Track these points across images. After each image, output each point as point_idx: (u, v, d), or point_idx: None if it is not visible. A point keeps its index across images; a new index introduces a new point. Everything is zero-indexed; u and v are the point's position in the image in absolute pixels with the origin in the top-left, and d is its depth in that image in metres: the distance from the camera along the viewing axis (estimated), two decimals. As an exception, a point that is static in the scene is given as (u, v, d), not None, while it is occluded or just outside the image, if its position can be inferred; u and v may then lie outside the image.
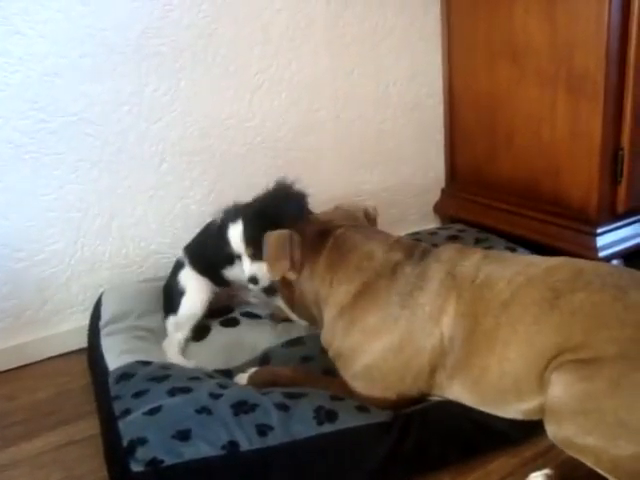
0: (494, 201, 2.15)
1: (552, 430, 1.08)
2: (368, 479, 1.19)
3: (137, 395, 1.30)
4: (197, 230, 1.70)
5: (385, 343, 1.27)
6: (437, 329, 1.24)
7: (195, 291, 1.63)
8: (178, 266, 1.67)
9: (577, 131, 1.83)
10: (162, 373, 1.39)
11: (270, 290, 1.63)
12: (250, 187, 1.96)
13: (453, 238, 2.00)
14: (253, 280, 1.49)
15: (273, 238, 1.37)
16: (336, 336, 1.35)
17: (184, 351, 1.59)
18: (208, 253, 1.61)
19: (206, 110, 1.87)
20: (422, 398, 1.31)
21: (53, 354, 1.76)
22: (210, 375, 1.44)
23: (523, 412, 1.19)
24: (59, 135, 1.69)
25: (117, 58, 1.72)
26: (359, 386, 1.32)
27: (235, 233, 1.49)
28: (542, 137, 1.95)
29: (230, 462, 1.15)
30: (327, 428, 1.20)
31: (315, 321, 1.47)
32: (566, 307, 1.13)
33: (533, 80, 1.92)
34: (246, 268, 1.50)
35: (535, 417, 1.16)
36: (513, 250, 1.87)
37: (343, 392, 1.32)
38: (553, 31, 1.83)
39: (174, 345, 1.59)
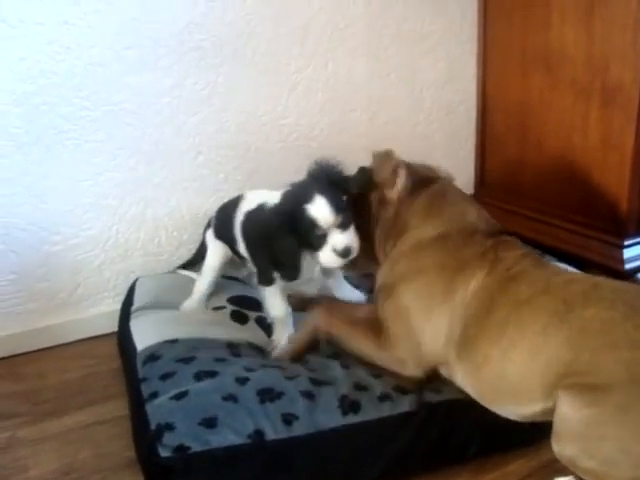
0: (522, 208, 2.16)
1: (556, 448, 1.08)
2: (389, 469, 1.22)
3: (164, 377, 1.33)
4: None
5: (429, 285, 1.32)
6: (462, 291, 1.27)
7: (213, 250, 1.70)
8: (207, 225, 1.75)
9: (609, 142, 1.84)
10: (189, 354, 1.41)
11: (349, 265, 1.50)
12: (282, 183, 2.00)
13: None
14: (346, 252, 1.40)
15: (386, 157, 1.47)
16: (395, 267, 1.40)
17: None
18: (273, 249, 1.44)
19: (243, 106, 1.91)
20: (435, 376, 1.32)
21: (83, 336, 1.80)
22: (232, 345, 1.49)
23: (518, 415, 1.20)
24: (100, 123, 1.73)
25: (160, 51, 1.76)
26: (389, 320, 1.35)
27: (320, 208, 1.37)
28: (573, 146, 1.96)
29: (255, 451, 1.17)
30: (351, 419, 1.22)
31: (372, 259, 1.52)
32: (576, 322, 1.12)
33: (567, 89, 1.93)
34: (337, 241, 1.39)
35: (531, 420, 1.18)
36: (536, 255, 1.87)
37: (370, 345, 1.38)
38: (589, 41, 1.84)
39: (193, 294, 1.69)
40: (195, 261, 1.83)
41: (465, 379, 1.26)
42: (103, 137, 1.74)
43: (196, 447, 1.15)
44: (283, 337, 1.53)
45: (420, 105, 2.21)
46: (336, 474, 1.21)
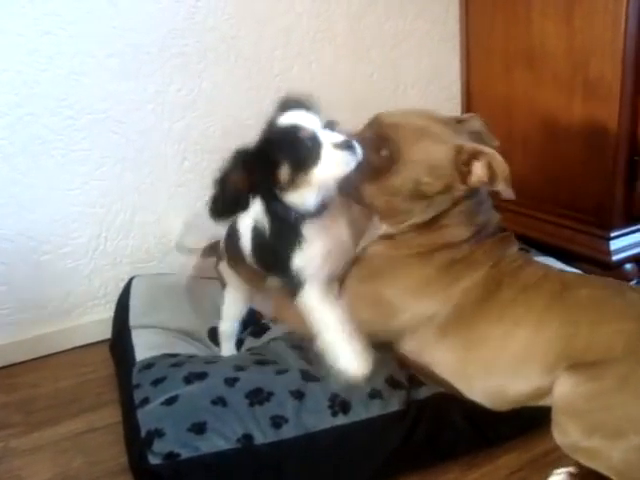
0: (508, 203, 2.14)
1: (558, 434, 1.08)
2: (381, 469, 1.22)
3: (155, 383, 1.33)
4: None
5: (428, 276, 1.26)
6: (467, 284, 1.24)
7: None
8: None
9: (592, 136, 1.85)
10: (182, 360, 1.42)
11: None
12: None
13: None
14: (349, 144, 1.11)
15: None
16: (400, 251, 1.29)
17: None
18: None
19: (227, 110, 1.91)
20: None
21: (75, 345, 1.81)
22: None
23: (504, 397, 1.19)
24: (85, 132, 1.73)
25: (143, 58, 1.76)
26: (349, 294, 1.28)
27: (297, 114, 1.17)
28: (558, 141, 1.97)
29: (245, 455, 1.18)
30: (341, 420, 1.22)
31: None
32: (572, 299, 1.18)
33: (549, 84, 1.94)
34: (332, 136, 1.11)
35: (513, 405, 1.19)
36: (527, 252, 1.88)
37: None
38: (570, 36, 1.85)
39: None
40: None
41: (445, 356, 1.23)
42: (88, 146, 1.75)
43: (185, 454, 1.15)
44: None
45: (405, 103, 2.21)
46: (327, 477, 1.22)
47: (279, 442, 1.19)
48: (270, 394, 1.26)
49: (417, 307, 1.25)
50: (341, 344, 1.15)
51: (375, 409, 1.24)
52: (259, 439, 1.19)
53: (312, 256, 1.19)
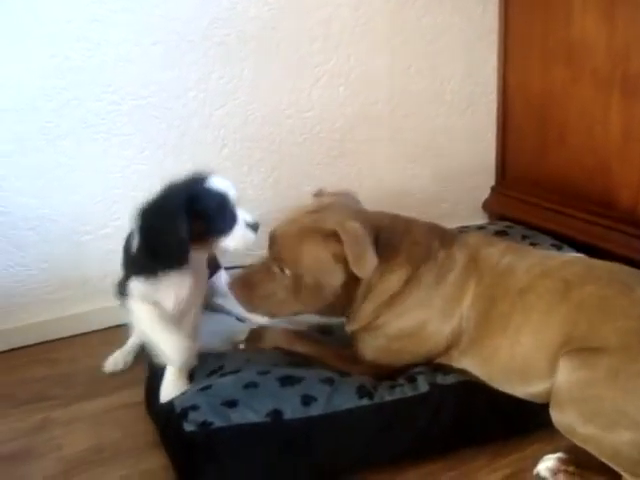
0: (543, 200, 2.17)
1: (556, 416, 1.14)
2: (406, 450, 1.26)
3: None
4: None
5: (416, 320, 1.33)
6: (458, 310, 1.31)
7: None
8: None
9: (630, 132, 1.84)
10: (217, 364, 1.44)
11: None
12: (306, 175, 2.05)
13: (501, 233, 2.03)
14: (257, 225, 1.31)
15: (356, 232, 1.25)
16: (381, 317, 1.36)
17: None
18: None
19: (267, 99, 1.95)
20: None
21: (112, 324, 1.84)
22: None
23: (528, 394, 1.25)
24: (129, 117, 1.78)
25: (186, 46, 1.81)
26: (371, 355, 1.37)
27: (224, 182, 1.30)
28: (594, 137, 1.96)
29: (273, 429, 1.22)
30: (366, 402, 1.27)
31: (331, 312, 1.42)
32: (575, 298, 1.20)
33: (588, 80, 1.94)
34: (246, 214, 1.30)
35: (539, 401, 1.22)
36: (559, 248, 1.89)
37: (341, 362, 1.39)
38: (610, 32, 1.84)
39: None
40: None
41: (472, 368, 1.31)
42: (131, 130, 1.80)
43: (218, 423, 1.21)
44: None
45: (441, 98, 2.23)
46: (352, 455, 1.25)
47: (307, 418, 1.23)
48: (301, 378, 1.31)
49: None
50: (159, 337, 1.31)
51: (398, 394, 1.29)
52: (288, 414, 1.23)
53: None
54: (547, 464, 1.20)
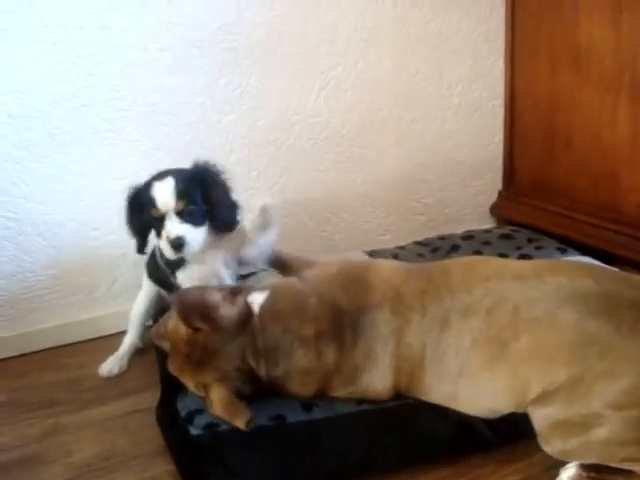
0: (550, 205, 2.17)
1: (545, 447, 1.20)
2: (410, 454, 1.26)
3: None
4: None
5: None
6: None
7: None
8: None
9: (637, 136, 1.84)
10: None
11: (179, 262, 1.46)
12: (313, 180, 2.05)
13: (506, 237, 2.04)
14: (177, 242, 1.32)
15: (221, 399, 1.26)
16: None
17: None
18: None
19: (274, 105, 1.95)
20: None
21: (121, 329, 1.85)
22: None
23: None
24: (137, 123, 1.79)
25: (193, 52, 1.81)
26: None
27: (163, 188, 1.35)
28: (602, 142, 1.96)
29: (278, 431, 1.25)
30: (367, 406, 1.30)
31: None
32: (515, 356, 1.20)
33: (595, 85, 1.94)
34: (170, 228, 1.33)
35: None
36: (564, 251, 1.89)
37: None
38: (618, 37, 1.84)
39: None
40: None
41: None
42: (139, 136, 1.81)
43: (223, 425, 1.24)
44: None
45: (448, 102, 2.23)
46: (356, 458, 1.25)
47: (309, 421, 1.27)
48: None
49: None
50: None
51: (400, 400, 1.31)
52: (291, 418, 1.27)
53: None
54: (569, 473, 1.18)
